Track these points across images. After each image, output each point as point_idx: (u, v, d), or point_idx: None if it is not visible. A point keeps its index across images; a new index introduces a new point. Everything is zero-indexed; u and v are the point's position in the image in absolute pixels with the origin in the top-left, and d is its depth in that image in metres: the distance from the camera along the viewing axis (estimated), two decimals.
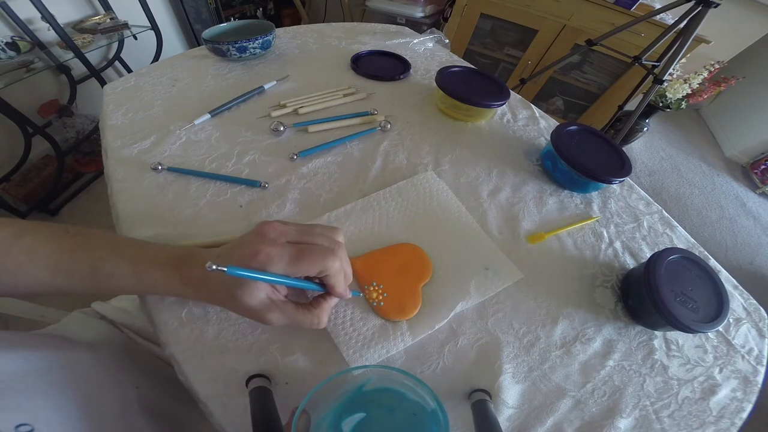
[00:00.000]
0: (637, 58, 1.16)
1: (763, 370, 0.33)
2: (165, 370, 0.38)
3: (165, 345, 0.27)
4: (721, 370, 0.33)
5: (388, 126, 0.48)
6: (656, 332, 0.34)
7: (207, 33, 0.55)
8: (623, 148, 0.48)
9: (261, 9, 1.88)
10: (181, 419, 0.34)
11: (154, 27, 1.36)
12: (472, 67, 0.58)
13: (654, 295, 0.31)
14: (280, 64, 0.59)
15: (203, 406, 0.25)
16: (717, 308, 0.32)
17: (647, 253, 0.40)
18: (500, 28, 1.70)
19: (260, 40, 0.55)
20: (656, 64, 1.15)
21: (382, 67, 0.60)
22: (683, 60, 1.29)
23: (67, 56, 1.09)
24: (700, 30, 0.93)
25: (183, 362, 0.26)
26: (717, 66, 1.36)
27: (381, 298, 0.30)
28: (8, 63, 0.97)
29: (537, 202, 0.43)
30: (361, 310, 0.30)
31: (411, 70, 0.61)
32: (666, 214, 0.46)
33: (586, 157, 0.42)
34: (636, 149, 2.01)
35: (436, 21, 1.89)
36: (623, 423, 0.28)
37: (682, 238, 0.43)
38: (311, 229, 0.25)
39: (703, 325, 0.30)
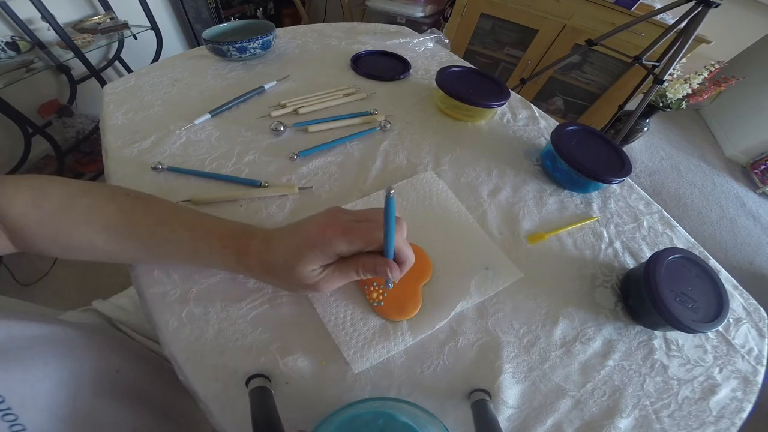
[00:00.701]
0: (637, 58, 1.16)
1: (763, 370, 0.34)
2: (158, 361, 0.38)
3: (165, 345, 0.27)
4: (721, 370, 0.33)
5: (388, 126, 0.48)
6: (656, 332, 0.34)
7: (207, 33, 0.55)
8: (623, 148, 0.48)
9: (261, 9, 1.88)
10: (173, 407, 0.34)
11: (154, 27, 1.36)
12: (472, 67, 0.58)
13: (654, 295, 0.31)
14: (280, 64, 0.59)
15: (203, 406, 0.25)
16: (717, 308, 0.32)
17: (647, 253, 0.40)
18: (500, 28, 1.70)
19: (260, 40, 0.55)
20: (656, 64, 1.15)
21: (382, 67, 0.60)
22: (683, 60, 1.29)
23: (67, 56, 1.09)
24: (701, 30, 0.93)
25: (183, 362, 0.26)
26: (717, 66, 1.36)
27: (381, 298, 0.30)
28: (8, 63, 0.97)
29: (537, 202, 0.43)
30: (362, 310, 0.30)
31: (411, 70, 0.61)
32: (666, 214, 0.46)
33: (586, 157, 0.42)
34: (636, 149, 2.01)
35: (436, 21, 1.89)
36: (623, 423, 0.28)
37: (682, 238, 0.44)
38: (373, 211, 0.26)
39: (703, 325, 0.30)
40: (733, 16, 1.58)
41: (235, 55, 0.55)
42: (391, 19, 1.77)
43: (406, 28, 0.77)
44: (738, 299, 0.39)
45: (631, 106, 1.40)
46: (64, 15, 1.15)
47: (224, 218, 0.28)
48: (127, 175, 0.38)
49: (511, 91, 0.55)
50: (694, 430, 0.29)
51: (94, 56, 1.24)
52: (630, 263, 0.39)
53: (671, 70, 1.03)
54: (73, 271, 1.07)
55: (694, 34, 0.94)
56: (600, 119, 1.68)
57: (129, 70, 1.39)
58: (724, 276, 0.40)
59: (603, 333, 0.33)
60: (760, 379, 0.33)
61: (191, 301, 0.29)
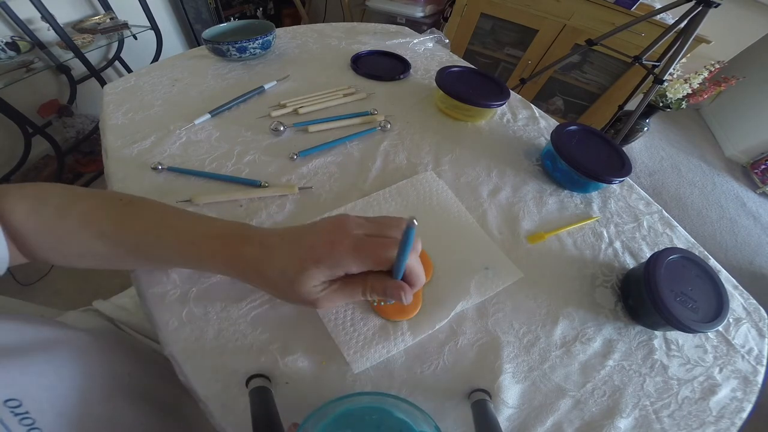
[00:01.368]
0: (637, 58, 1.16)
1: (763, 370, 0.34)
2: (160, 361, 0.38)
3: (165, 344, 0.27)
4: (721, 370, 0.33)
5: (388, 126, 0.48)
6: (656, 332, 0.34)
7: (207, 33, 0.55)
8: (623, 148, 0.48)
9: (261, 9, 1.88)
10: (175, 408, 0.34)
11: (154, 27, 1.36)
12: (472, 67, 0.58)
13: (654, 295, 0.31)
14: (280, 64, 0.59)
15: (203, 406, 0.25)
16: (717, 308, 0.32)
17: (647, 253, 0.40)
18: (500, 28, 1.70)
19: (260, 40, 0.55)
20: (656, 64, 1.15)
21: (382, 67, 0.60)
22: (683, 60, 1.29)
23: (67, 56, 1.09)
24: (701, 30, 0.93)
25: (183, 362, 0.26)
26: (717, 66, 1.36)
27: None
28: (8, 63, 0.97)
29: (537, 202, 0.43)
30: (362, 310, 0.30)
31: (411, 70, 0.61)
32: (666, 214, 0.46)
33: (586, 157, 0.42)
34: (636, 149, 2.01)
35: (436, 21, 1.89)
36: (623, 423, 0.28)
37: (682, 238, 0.44)
38: (388, 222, 0.25)
39: (703, 325, 0.30)
40: (733, 16, 1.58)
41: (235, 55, 0.55)
42: (391, 19, 1.77)
43: (406, 28, 0.77)
44: (738, 299, 0.39)
45: (631, 106, 1.40)
46: (64, 15, 1.15)
47: (219, 219, 0.27)
48: (127, 176, 0.38)
49: (511, 91, 0.55)
50: (694, 430, 0.29)
51: (94, 56, 1.24)
52: (630, 263, 0.39)
53: (671, 70, 1.03)
54: (73, 271, 1.07)
55: (694, 34, 0.94)
56: (600, 119, 1.68)
57: (129, 70, 1.39)
58: (724, 276, 0.40)
59: (603, 333, 0.33)
60: (760, 379, 0.33)
61: (191, 301, 0.29)
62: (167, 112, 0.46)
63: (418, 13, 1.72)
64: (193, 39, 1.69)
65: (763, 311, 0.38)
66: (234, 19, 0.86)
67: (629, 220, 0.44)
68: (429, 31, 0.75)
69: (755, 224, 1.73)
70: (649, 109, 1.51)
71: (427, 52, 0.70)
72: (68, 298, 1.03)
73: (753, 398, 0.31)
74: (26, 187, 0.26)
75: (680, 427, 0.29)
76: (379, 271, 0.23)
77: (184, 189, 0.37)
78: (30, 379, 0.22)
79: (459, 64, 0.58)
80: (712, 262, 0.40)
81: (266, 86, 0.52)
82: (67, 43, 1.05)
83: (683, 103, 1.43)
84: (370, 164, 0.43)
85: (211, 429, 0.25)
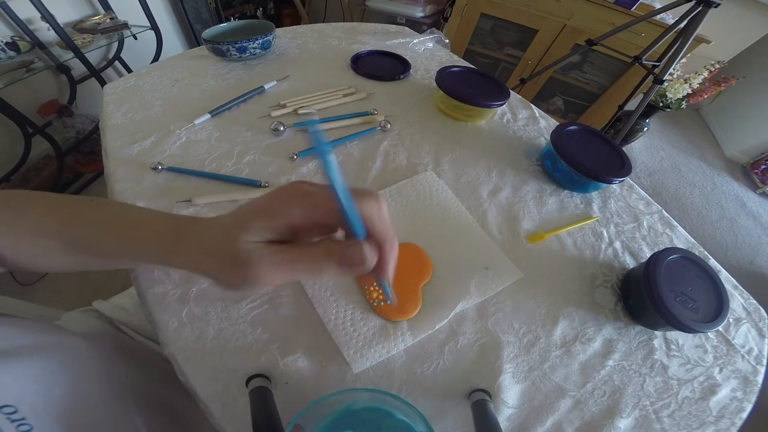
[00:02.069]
0: (637, 58, 1.16)
1: (763, 370, 0.34)
2: (159, 363, 0.38)
3: (165, 344, 0.27)
4: (721, 370, 0.33)
5: (388, 126, 0.48)
6: (656, 332, 0.34)
7: (207, 33, 0.55)
8: (623, 148, 0.48)
9: (261, 9, 1.88)
10: (174, 408, 0.34)
11: (154, 27, 1.35)
12: (472, 67, 0.58)
13: (654, 295, 0.31)
14: (280, 64, 0.59)
15: (203, 406, 0.25)
16: (717, 308, 0.32)
17: (647, 253, 0.40)
18: (500, 28, 1.70)
19: (260, 40, 0.55)
20: (656, 64, 1.15)
21: (382, 67, 0.60)
22: (683, 60, 1.29)
23: (67, 56, 1.09)
24: (701, 30, 0.93)
25: (183, 362, 0.26)
26: (717, 66, 1.36)
27: (381, 297, 0.30)
28: (8, 63, 0.97)
29: (537, 202, 0.43)
30: (362, 310, 0.30)
31: (411, 70, 0.61)
32: (666, 214, 0.46)
33: (586, 157, 0.42)
34: (636, 149, 2.01)
35: (436, 21, 1.89)
36: (623, 423, 0.28)
37: (682, 238, 0.43)
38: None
39: (703, 325, 0.30)
40: (733, 16, 1.58)
41: (235, 55, 0.55)
42: (391, 19, 1.77)
43: (406, 28, 0.77)
44: (738, 299, 0.39)
45: (631, 106, 1.40)
46: (64, 15, 1.15)
47: (170, 214, 0.24)
48: (127, 176, 0.38)
49: (511, 91, 0.55)
50: (694, 430, 0.29)
51: (94, 56, 1.24)
52: (630, 263, 0.39)
53: (671, 70, 1.03)
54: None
55: (694, 34, 0.94)
56: (600, 119, 1.68)
57: (129, 70, 1.39)
58: (724, 276, 0.40)
59: (603, 333, 0.33)
60: (760, 379, 0.33)
61: (191, 301, 0.29)
62: (167, 112, 0.46)
63: (418, 13, 1.72)
64: (193, 39, 1.69)
65: (763, 311, 0.38)
66: (234, 19, 0.86)
67: (629, 220, 0.44)
68: (429, 31, 0.75)
69: (755, 224, 1.73)
70: (649, 109, 1.52)
71: (427, 52, 0.70)
72: (68, 298, 1.03)
73: (753, 398, 0.31)
74: (4, 196, 0.24)
75: (680, 427, 0.29)
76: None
77: (184, 189, 0.37)
78: (24, 385, 0.22)
79: (459, 64, 0.58)
80: (712, 262, 0.40)
81: (266, 86, 0.52)
82: (67, 43, 1.05)
83: (683, 103, 1.43)
84: (370, 164, 0.43)
85: (210, 429, 0.25)
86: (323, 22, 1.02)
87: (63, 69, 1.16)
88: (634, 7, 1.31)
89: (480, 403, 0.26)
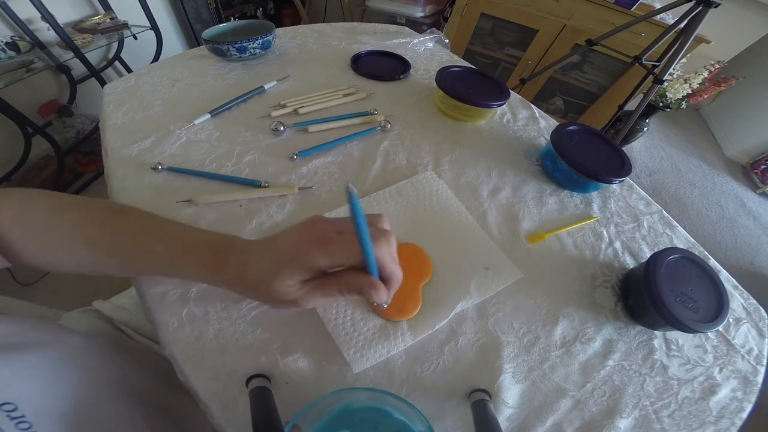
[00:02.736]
0: (637, 58, 1.16)
1: (763, 370, 0.34)
2: (158, 362, 0.38)
3: (165, 345, 0.27)
4: (721, 370, 0.33)
5: (388, 126, 0.48)
6: (656, 332, 0.34)
7: (207, 33, 0.55)
8: (623, 148, 0.48)
9: (261, 9, 1.88)
10: (174, 408, 0.34)
11: (154, 27, 1.36)
12: (472, 67, 0.58)
13: (654, 295, 0.31)
14: (280, 64, 0.59)
15: (203, 406, 0.25)
16: (717, 308, 0.32)
17: (647, 253, 0.40)
18: (500, 28, 1.70)
19: (260, 40, 0.55)
20: (656, 64, 1.15)
21: (382, 66, 0.60)
22: (683, 60, 1.29)
23: (67, 56, 1.09)
24: (700, 30, 0.93)
25: (183, 362, 0.26)
26: (717, 66, 1.35)
27: None
28: (8, 63, 0.97)
29: (537, 202, 0.43)
30: (362, 311, 0.30)
31: (411, 70, 0.61)
32: (666, 214, 0.46)
33: (585, 157, 0.42)
34: (636, 149, 2.01)
35: (436, 21, 1.89)
36: (623, 423, 0.28)
37: (682, 238, 0.43)
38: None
39: (703, 325, 0.30)
40: (733, 16, 1.57)
41: (235, 55, 0.55)
42: (391, 19, 1.77)
43: (406, 28, 0.77)
44: (738, 299, 0.39)
45: (631, 106, 1.40)
46: (64, 15, 1.15)
47: (205, 230, 0.27)
48: (127, 176, 0.38)
49: (511, 91, 0.55)
50: (694, 430, 0.29)
51: (94, 56, 1.24)
52: (630, 263, 0.39)
53: (671, 70, 1.03)
54: None
55: (694, 34, 0.94)
56: (600, 119, 1.68)
57: (129, 70, 1.39)
58: (724, 276, 0.40)
59: (603, 333, 0.33)
60: (760, 379, 0.33)
61: (191, 301, 0.29)
62: (167, 112, 0.46)
63: (418, 13, 1.72)
64: (193, 39, 1.69)
65: (763, 311, 0.38)
66: (234, 19, 0.86)
67: (629, 220, 0.44)
68: (429, 31, 0.75)
69: (755, 224, 1.73)
70: (649, 109, 1.51)
71: (427, 52, 0.70)
72: (68, 298, 1.03)
73: (753, 398, 0.31)
74: (9, 193, 0.25)
75: (680, 427, 0.29)
76: (360, 270, 0.23)
77: (184, 189, 0.37)
78: (24, 382, 0.22)
79: (459, 64, 0.58)
80: (712, 262, 0.40)
81: (266, 86, 0.52)
82: (67, 43, 1.05)
83: (683, 103, 1.43)
84: (370, 164, 0.43)
85: (211, 429, 0.25)
86: (323, 22, 1.02)
87: (63, 69, 1.16)
88: (634, 7, 1.31)
89: (480, 403, 0.26)
